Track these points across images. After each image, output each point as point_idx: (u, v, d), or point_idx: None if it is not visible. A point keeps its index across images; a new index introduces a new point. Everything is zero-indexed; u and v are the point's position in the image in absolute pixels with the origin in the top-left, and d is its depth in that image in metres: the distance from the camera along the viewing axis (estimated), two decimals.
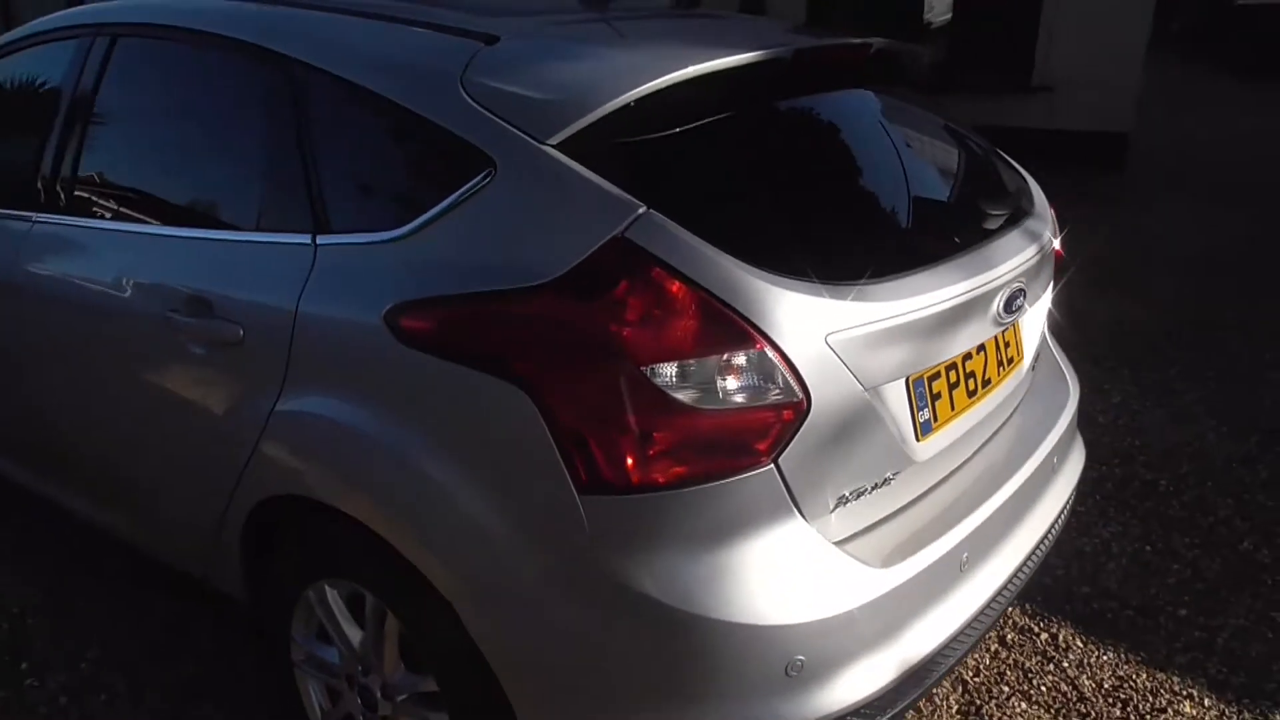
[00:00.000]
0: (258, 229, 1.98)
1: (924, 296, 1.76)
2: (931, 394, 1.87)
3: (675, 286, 1.53)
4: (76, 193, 2.40)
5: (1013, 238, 2.09)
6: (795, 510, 1.63)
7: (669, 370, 1.52)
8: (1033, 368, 2.34)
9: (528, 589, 1.62)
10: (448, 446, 1.65)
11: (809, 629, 1.61)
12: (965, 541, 1.88)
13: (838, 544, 1.69)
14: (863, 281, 1.68)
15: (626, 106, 1.65)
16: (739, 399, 1.55)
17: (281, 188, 1.96)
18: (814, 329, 1.60)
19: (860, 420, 1.70)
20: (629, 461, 1.52)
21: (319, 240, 1.85)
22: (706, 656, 1.57)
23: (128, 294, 2.17)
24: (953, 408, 1.93)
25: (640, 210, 1.56)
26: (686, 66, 1.71)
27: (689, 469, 1.55)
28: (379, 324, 1.69)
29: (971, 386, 1.99)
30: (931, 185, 2.22)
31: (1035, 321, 2.30)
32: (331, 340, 1.80)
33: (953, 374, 1.92)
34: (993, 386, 2.07)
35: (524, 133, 1.66)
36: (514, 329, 1.59)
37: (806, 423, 1.60)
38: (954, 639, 1.86)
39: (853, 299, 1.65)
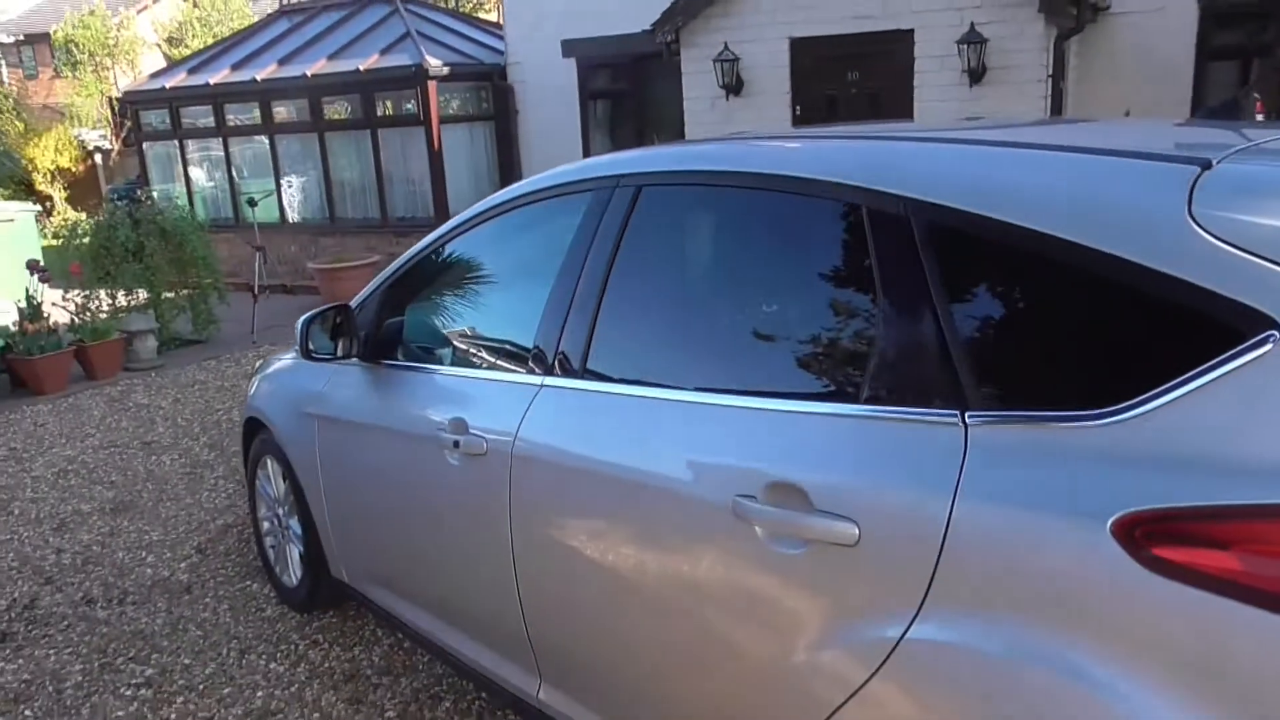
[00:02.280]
0: (868, 401, 1.65)
1: None
2: None
3: None
4: (599, 355, 2.17)
5: None
6: None
7: None
8: None
9: None
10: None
11: None
12: None
13: None
14: None
15: None
16: None
17: (906, 352, 1.62)
18: None
19: None
20: None
21: (970, 417, 1.48)
22: None
23: (678, 473, 1.89)
24: None
25: None
26: None
27: None
28: (1104, 537, 1.28)
29: None
30: None
31: None
32: (1009, 551, 1.40)
33: None
34: None
35: None
36: None
37: None
38: None
39: None
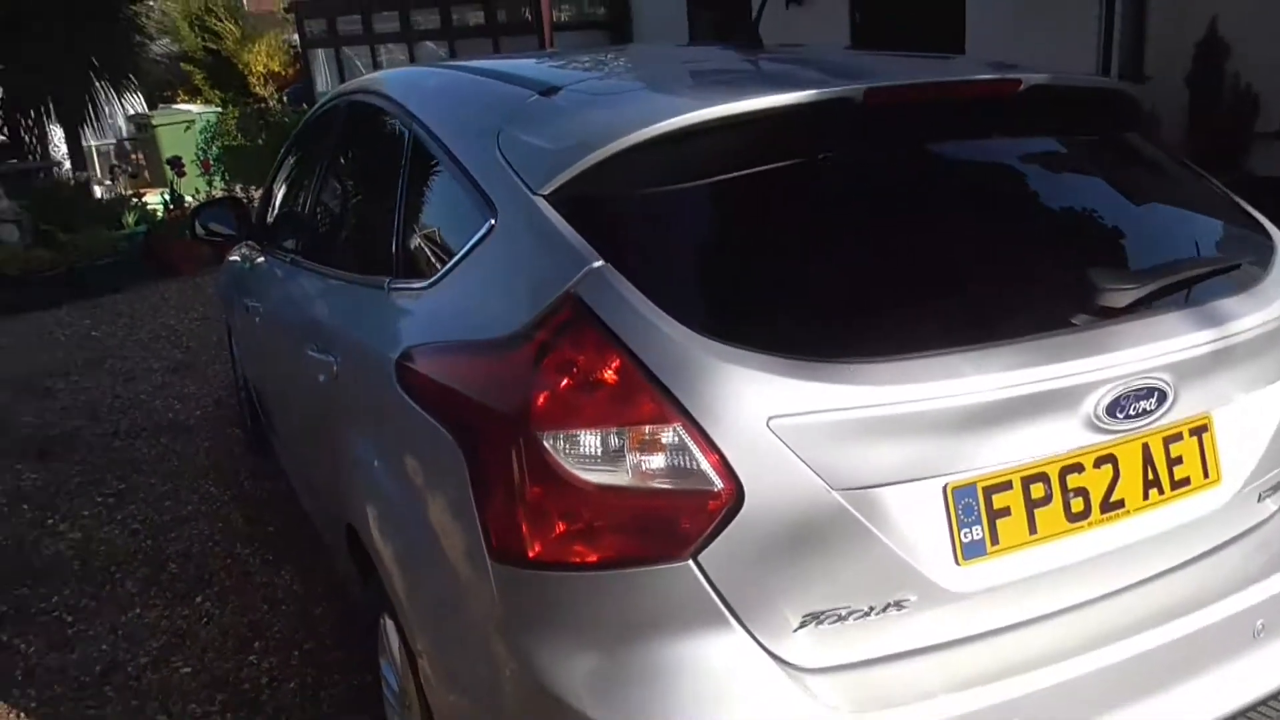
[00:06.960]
0: (359, 270, 2.22)
1: (933, 385, 1.45)
2: (990, 509, 1.53)
3: (599, 349, 1.44)
4: (306, 243, 2.84)
5: (1165, 320, 1.64)
6: (733, 620, 1.43)
7: (569, 440, 1.42)
8: (1264, 497, 1.81)
9: (468, 661, 1.62)
10: (419, 496, 1.71)
11: None
12: (1016, 707, 1.50)
13: (806, 672, 1.45)
14: (839, 359, 1.43)
15: (625, 155, 1.58)
16: (649, 481, 1.41)
17: (383, 233, 2.13)
18: (754, 411, 1.39)
19: (832, 526, 1.44)
20: (523, 533, 1.45)
21: (391, 284, 2.01)
22: None
23: (301, 326, 2.53)
24: (1033, 530, 1.56)
25: (594, 264, 1.49)
26: (693, 111, 1.59)
27: (596, 551, 1.43)
28: (390, 369, 1.79)
29: (1078, 508, 1.59)
30: (1026, 251, 1.76)
31: (1258, 432, 1.78)
32: (367, 381, 1.95)
33: (1037, 487, 1.55)
34: (1128, 512, 1.63)
35: (524, 182, 1.66)
36: (459, 382, 1.61)
37: (738, 519, 1.40)
38: None
39: (818, 379, 1.41)
